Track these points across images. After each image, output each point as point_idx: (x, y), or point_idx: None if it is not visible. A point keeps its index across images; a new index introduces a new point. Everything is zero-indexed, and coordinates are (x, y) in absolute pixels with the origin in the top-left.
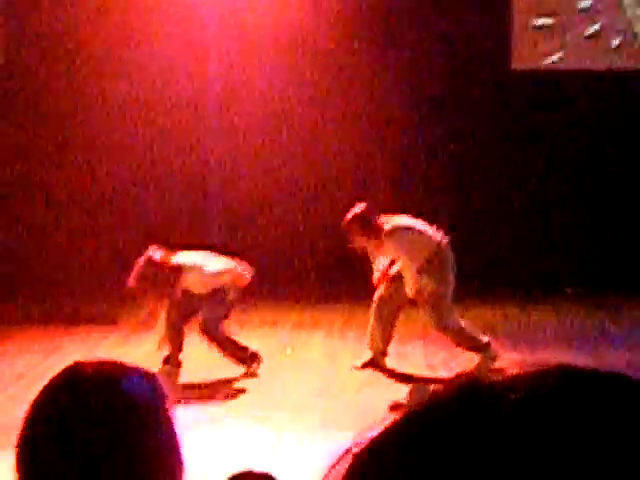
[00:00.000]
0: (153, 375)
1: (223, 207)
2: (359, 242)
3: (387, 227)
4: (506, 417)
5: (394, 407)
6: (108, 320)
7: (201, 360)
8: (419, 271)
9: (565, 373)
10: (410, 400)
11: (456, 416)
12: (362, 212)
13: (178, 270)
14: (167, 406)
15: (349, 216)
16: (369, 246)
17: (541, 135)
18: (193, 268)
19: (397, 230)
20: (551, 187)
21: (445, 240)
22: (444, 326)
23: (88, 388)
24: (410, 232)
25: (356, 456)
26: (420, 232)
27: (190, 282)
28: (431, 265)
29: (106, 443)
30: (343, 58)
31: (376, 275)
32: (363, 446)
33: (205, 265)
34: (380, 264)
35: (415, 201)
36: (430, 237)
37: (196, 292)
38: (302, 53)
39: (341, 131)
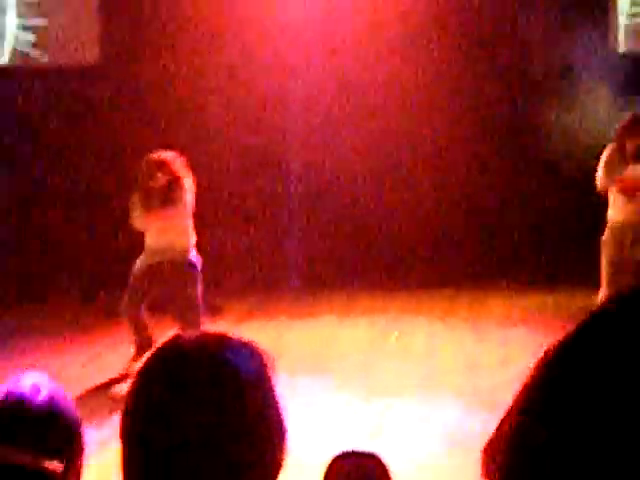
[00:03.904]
0: (258, 348)
1: (316, 193)
2: (636, 140)
3: None
4: None
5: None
6: None
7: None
8: None
9: None
10: None
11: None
12: None
13: None
14: (272, 381)
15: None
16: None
17: None
18: None
19: None
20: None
21: None
22: None
23: (192, 358)
24: None
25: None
26: None
27: None
28: None
29: (212, 412)
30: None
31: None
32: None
33: None
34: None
35: (487, 208)
36: None
37: None
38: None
39: (425, 127)
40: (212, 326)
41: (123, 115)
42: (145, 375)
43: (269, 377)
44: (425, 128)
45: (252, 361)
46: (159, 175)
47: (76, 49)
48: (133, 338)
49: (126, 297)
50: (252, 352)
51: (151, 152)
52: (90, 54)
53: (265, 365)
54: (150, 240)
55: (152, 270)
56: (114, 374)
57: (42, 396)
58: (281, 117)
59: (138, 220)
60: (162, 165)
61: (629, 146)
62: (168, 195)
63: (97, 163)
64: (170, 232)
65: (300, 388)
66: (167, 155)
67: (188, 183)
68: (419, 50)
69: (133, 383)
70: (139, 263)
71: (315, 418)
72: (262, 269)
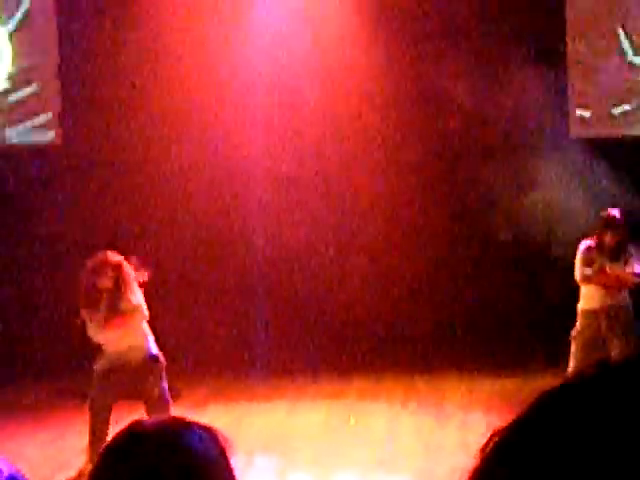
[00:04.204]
0: (217, 431)
1: (274, 280)
2: (616, 236)
3: None
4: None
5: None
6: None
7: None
8: None
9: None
10: None
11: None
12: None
13: None
14: (231, 464)
15: (619, 215)
16: (624, 242)
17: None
18: None
19: None
20: None
21: None
22: None
23: (152, 442)
24: None
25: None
26: None
27: None
28: None
29: None
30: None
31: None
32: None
33: None
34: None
35: (446, 294)
36: None
37: None
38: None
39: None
40: (171, 410)
41: (82, 195)
42: (106, 458)
43: (228, 460)
44: (389, 211)
45: (211, 444)
46: (105, 275)
47: (34, 128)
48: (89, 442)
49: (91, 399)
50: (211, 435)
51: (99, 251)
52: (49, 134)
53: (224, 448)
54: (106, 346)
55: (114, 373)
56: (74, 456)
57: (2, 478)
58: (244, 200)
59: (93, 335)
60: (108, 265)
61: (609, 241)
62: (114, 302)
63: (58, 246)
64: (124, 337)
65: (258, 471)
66: (113, 256)
67: (136, 283)
68: (382, 130)
69: (95, 465)
70: (99, 367)
71: None
72: (221, 353)
